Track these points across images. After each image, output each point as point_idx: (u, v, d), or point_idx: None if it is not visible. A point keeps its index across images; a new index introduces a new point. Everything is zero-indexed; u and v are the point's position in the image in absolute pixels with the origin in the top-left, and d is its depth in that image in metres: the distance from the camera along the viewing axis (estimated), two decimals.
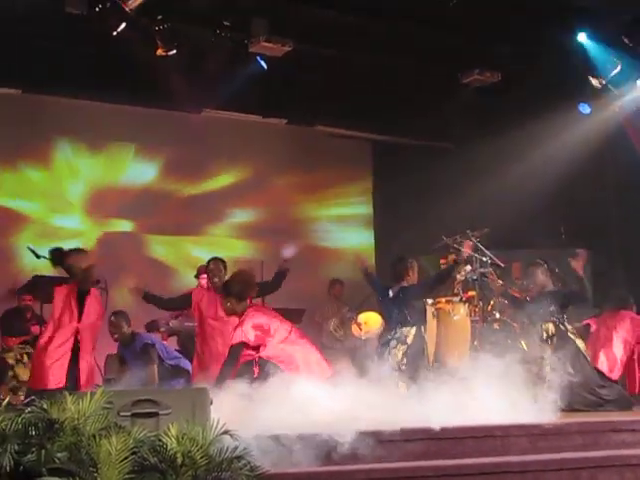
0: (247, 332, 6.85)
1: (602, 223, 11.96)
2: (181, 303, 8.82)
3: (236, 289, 7.14)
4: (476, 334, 9.64)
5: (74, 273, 7.41)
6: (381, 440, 5.18)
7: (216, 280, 8.35)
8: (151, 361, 8.31)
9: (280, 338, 6.93)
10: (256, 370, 6.84)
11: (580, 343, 8.39)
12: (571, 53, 10.70)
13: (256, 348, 6.88)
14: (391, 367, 7.91)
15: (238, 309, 7.09)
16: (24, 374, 8.97)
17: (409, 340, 8.26)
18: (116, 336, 8.46)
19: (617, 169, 12.15)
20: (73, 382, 7.06)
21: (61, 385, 6.96)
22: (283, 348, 6.88)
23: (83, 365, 7.24)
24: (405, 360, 8.15)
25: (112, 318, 8.48)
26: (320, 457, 4.91)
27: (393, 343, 8.27)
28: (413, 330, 8.30)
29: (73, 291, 7.34)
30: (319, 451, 4.92)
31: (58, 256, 7.52)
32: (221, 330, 8.02)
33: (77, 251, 7.63)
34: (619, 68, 10.80)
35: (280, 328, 7.01)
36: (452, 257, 10.55)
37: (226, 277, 8.13)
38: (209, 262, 8.61)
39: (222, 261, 8.57)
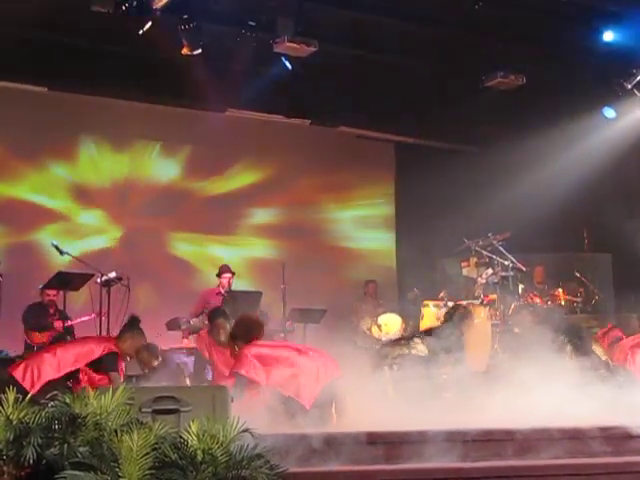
0: (250, 370, 6.83)
1: (625, 228, 11.90)
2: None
3: (243, 334, 7.13)
4: (496, 337, 9.64)
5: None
6: None
7: (222, 339, 8.13)
8: (183, 376, 8.37)
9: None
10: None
11: None
12: (596, 57, 10.65)
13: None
14: (384, 358, 7.88)
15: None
16: None
17: (413, 351, 7.99)
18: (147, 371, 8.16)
19: None
20: None
21: None
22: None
23: None
24: (399, 360, 8.01)
25: (141, 355, 8.12)
26: None
27: (403, 342, 8.19)
28: (425, 352, 7.99)
29: None
30: None
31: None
32: None
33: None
34: None
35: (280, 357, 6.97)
36: (474, 260, 10.58)
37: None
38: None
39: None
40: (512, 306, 10.11)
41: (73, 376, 6.99)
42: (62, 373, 6.92)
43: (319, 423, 6.19)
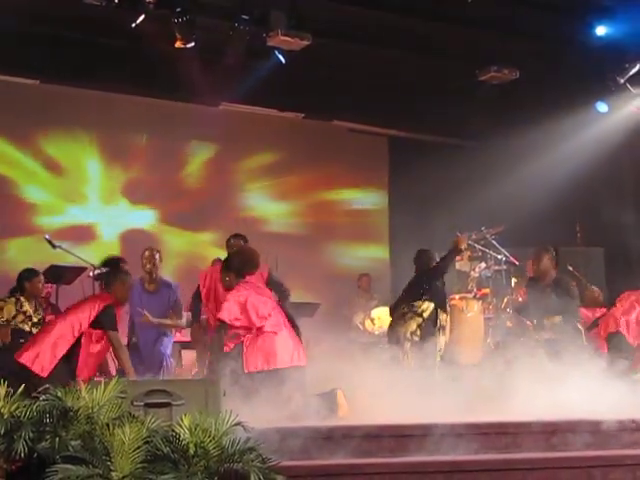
0: (230, 308, 6.83)
1: (618, 222, 11.93)
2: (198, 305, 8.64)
3: (236, 264, 7.15)
4: (489, 331, 9.65)
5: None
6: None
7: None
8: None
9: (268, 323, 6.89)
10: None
11: None
12: (589, 51, 10.66)
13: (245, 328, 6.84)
14: (402, 335, 7.98)
15: (234, 285, 7.06)
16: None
17: (425, 314, 8.38)
18: (151, 271, 8.72)
19: (634, 168, 12.11)
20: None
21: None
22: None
23: None
24: (419, 332, 8.21)
25: (147, 252, 8.85)
26: None
27: (409, 315, 8.32)
28: (431, 306, 8.39)
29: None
30: None
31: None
32: None
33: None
34: (638, 67, 10.76)
35: (266, 310, 6.96)
36: (467, 254, 10.58)
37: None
38: (230, 238, 8.53)
39: (242, 238, 8.45)
40: (505, 300, 10.12)
41: (75, 352, 6.94)
42: (68, 347, 6.89)
43: (322, 413, 6.20)
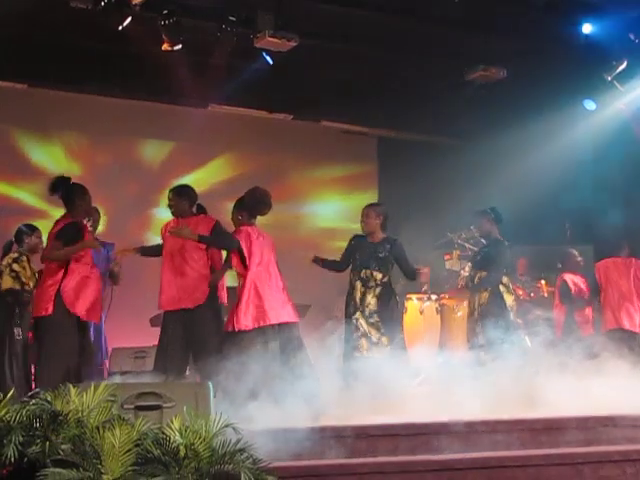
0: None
1: (607, 220, 11.96)
2: None
3: (250, 204, 7.23)
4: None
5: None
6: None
7: (172, 210, 8.20)
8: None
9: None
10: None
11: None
12: (577, 49, 10.69)
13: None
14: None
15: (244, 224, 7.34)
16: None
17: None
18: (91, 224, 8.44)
19: (622, 165, 12.13)
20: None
21: None
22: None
23: None
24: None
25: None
26: None
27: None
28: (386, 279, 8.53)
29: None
30: None
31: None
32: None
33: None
34: (625, 65, 10.79)
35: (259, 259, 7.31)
36: (456, 252, 10.60)
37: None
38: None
39: (178, 191, 8.24)
40: None
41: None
42: (56, 279, 7.18)
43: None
